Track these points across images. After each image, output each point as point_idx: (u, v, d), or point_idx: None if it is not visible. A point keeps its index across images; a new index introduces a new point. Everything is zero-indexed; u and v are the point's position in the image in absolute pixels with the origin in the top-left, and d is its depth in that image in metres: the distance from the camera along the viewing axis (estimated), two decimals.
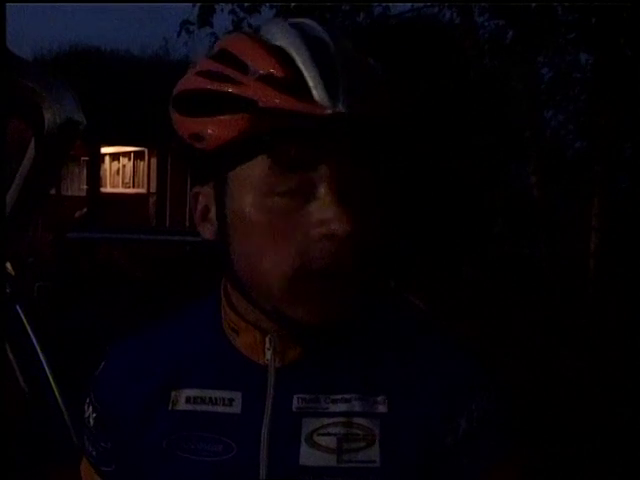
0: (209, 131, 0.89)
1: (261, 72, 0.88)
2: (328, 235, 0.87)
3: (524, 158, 9.44)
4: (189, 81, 0.94)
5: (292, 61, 0.88)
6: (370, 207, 0.91)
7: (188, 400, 0.97)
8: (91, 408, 1.05)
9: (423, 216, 9.44)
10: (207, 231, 0.96)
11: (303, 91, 0.86)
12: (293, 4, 8.72)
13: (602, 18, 7.63)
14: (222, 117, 0.89)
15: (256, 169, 0.88)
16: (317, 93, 0.86)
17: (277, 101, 0.86)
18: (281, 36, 0.91)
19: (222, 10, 8.54)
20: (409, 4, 9.86)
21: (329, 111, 0.85)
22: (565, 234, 9.46)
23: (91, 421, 1.05)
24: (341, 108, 0.86)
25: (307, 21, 0.94)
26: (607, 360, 6.09)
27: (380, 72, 0.94)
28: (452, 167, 9.66)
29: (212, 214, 0.95)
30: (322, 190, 0.87)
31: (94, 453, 1.05)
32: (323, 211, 0.87)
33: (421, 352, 0.98)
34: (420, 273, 7.69)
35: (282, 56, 0.88)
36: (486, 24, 9.32)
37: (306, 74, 0.87)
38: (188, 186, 1.02)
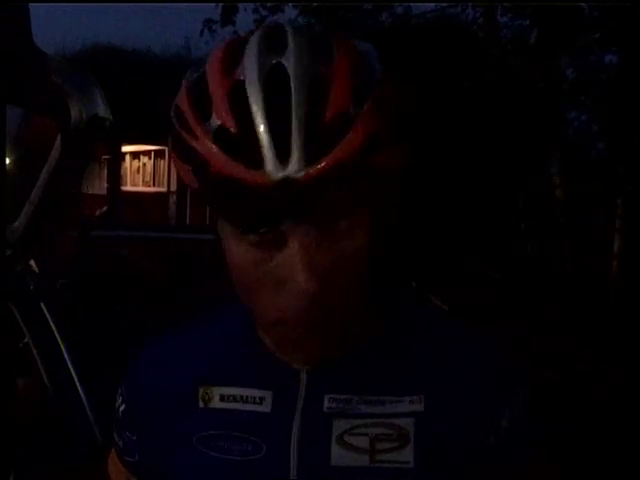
0: (180, 173, 0.87)
1: (217, 124, 0.81)
2: (300, 293, 0.82)
3: (547, 159, 9.39)
4: (174, 104, 0.88)
5: (248, 111, 0.80)
6: (352, 251, 0.85)
7: (222, 398, 0.97)
8: (121, 399, 1.05)
9: (443, 216, 9.41)
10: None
11: (252, 153, 0.79)
12: (315, 4, 8.72)
13: (627, 18, 7.57)
14: (184, 165, 0.85)
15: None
16: (266, 157, 0.79)
17: (225, 167, 0.80)
18: (247, 66, 0.82)
19: (245, 9, 8.56)
20: (432, 4, 9.84)
21: (276, 177, 0.78)
22: (588, 235, 9.40)
23: (120, 411, 1.05)
24: (292, 173, 0.78)
25: (295, 31, 0.85)
26: (629, 361, 6.05)
27: (368, 85, 0.83)
28: (473, 168, 9.62)
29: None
30: (289, 245, 0.82)
31: (120, 443, 1.06)
32: (290, 267, 0.82)
33: (457, 349, 0.96)
34: (441, 274, 7.66)
35: (240, 101, 0.80)
36: (509, 24, 9.29)
37: (258, 131, 0.79)
38: None
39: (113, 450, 1.09)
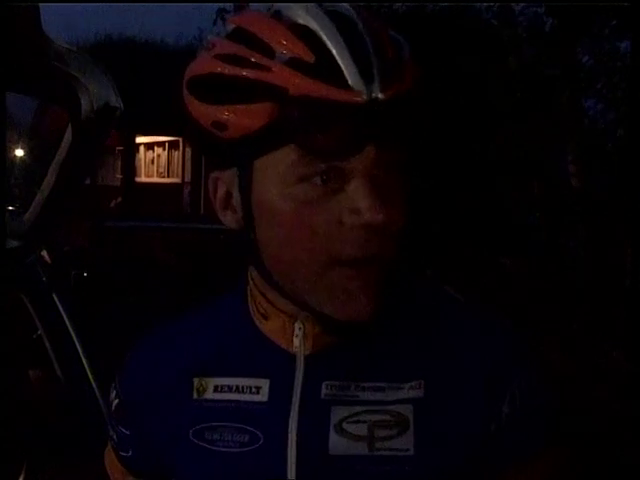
0: (233, 120, 0.85)
1: (289, 56, 0.83)
2: (361, 225, 0.83)
3: (563, 147, 9.34)
4: (206, 64, 0.88)
5: (320, 43, 0.83)
6: (402, 193, 0.87)
7: (216, 389, 0.95)
8: (114, 393, 1.04)
9: (459, 205, 9.38)
10: (230, 219, 0.92)
11: (335, 76, 0.81)
12: None
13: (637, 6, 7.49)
14: (248, 105, 0.84)
15: (284, 157, 0.84)
16: (352, 78, 0.81)
17: (309, 89, 0.81)
18: (305, 14, 0.85)
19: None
20: None
21: (365, 98, 0.81)
22: (604, 225, 9.34)
23: (113, 406, 1.04)
24: (377, 94, 0.81)
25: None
26: None
27: (407, 48, 0.89)
28: (489, 157, 9.59)
29: (235, 201, 0.90)
30: (356, 178, 0.83)
31: (115, 437, 1.05)
32: (356, 200, 0.83)
33: (463, 336, 0.94)
34: (457, 265, 7.64)
35: (309, 37, 0.83)
36: (525, 12, 9.23)
37: (338, 58, 0.82)
38: None
39: (109, 444, 1.08)
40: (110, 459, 1.09)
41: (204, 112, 0.87)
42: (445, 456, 0.89)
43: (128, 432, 1.02)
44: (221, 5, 8.83)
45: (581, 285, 8.01)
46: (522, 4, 9.17)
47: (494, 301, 6.25)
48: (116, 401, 1.03)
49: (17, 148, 19.09)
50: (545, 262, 8.84)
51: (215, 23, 8.75)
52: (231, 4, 8.59)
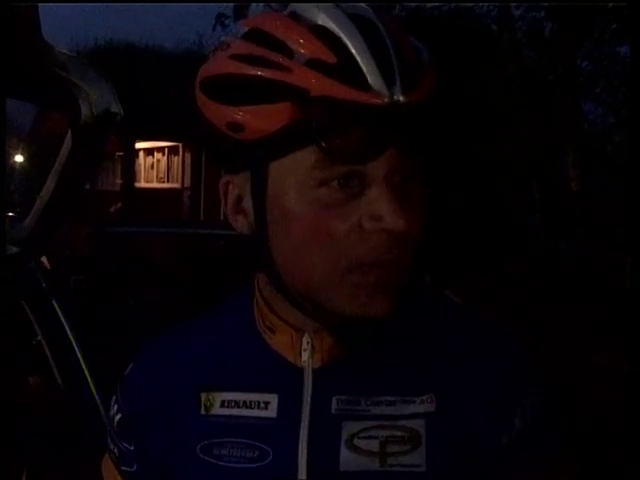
0: (251, 121, 0.83)
1: (308, 56, 0.81)
2: (382, 231, 0.82)
3: (563, 150, 9.34)
4: (222, 64, 0.86)
5: (341, 44, 0.81)
6: (422, 199, 0.86)
7: (223, 404, 0.92)
8: (116, 407, 1.01)
9: (459, 209, 9.37)
10: (242, 224, 0.90)
11: (357, 78, 0.80)
12: None
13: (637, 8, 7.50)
14: (266, 106, 0.82)
15: (302, 159, 0.82)
16: (373, 80, 0.80)
17: (330, 90, 0.80)
18: (323, 15, 0.83)
19: (257, 4, 8.54)
20: None
21: (387, 100, 0.80)
22: (604, 228, 9.34)
23: (115, 420, 1.01)
24: (399, 97, 0.80)
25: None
26: None
27: (426, 53, 0.88)
28: (489, 160, 9.58)
29: (247, 205, 0.89)
30: (376, 183, 0.82)
31: (116, 451, 1.01)
32: (377, 206, 0.82)
33: (471, 347, 0.92)
34: (456, 268, 7.63)
35: (328, 38, 0.82)
36: (524, 16, 9.23)
37: (359, 59, 0.81)
38: None
39: (107, 456, 1.04)
40: (109, 473, 1.05)
41: (218, 113, 0.86)
42: (457, 472, 0.88)
43: (132, 447, 0.99)
44: (221, 10, 8.83)
45: (581, 286, 8.00)
46: (522, 9, 9.18)
47: (494, 302, 6.24)
48: (118, 416, 1.00)
49: (17, 154, 19.08)
50: (545, 263, 8.83)
51: (214, 28, 8.75)
52: (230, 9, 8.58)
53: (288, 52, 0.82)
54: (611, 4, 8.02)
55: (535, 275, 8.51)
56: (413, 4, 9.66)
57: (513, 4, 9.24)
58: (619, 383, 5.50)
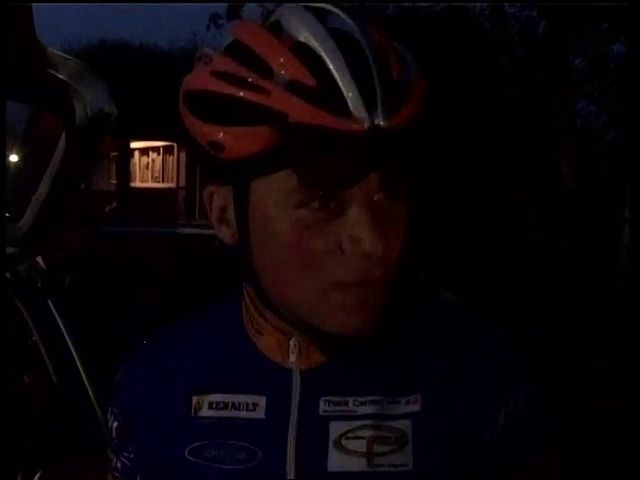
0: (231, 142, 0.82)
1: (288, 78, 0.80)
2: (362, 254, 0.82)
3: (556, 148, 9.35)
4: (203, 80, 0.85)
5: (322, 65, 0.80)
6: (406, 218, 0.86)
7: (211, 406, 0.93)
8: (112, 416, 1.01)
9: (454, 207, 9.38)
10: (226, 234, 0.90)
11: (337, 103, 0.79)
12: None
13: (635, 7, 7.52)
14: (246, 128, 0.81)
15: (282, 181, 0.81)
16: (354, 105, 0.79)
17: (309, 116, 0.79)
18: (306, 32, 0.82)
19: (251, 4, 8.53)
20: None
21: (367, 126, 0.78)
22: (597, 225, 9.36)
23: (113, 430, 1.01)
24: (380, 121, 0.79)
25: (328, 7, 0.85)
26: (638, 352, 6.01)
27: (414, 65, 0.86)
28: (481, 158, 9.59)
29: (230, 217, 0.88)
30: (357, 203, 0.81)
31: (118, 465, 1.01)
32: (357, 228, 0.81)
33: (458, 346, 0.93)
34: (450, 266, 7.63)
35: (310, 57, 0.80)
36: (517, 15, 9.25)
37: (340, 83, 0.79)
38: None
39: (110, 476, 1.03)
40: None
41: (200, 130, 0.85)
42: (444, 470, 0.89)
43: (132, 455, 0.99)
44: (214, 10, 8.82)
45: (578, 285, 8.01)
46: (514, 8, 9.19)
47: (488, 301, 6.25)
48: (115, 424, 1.00)
49: (11, 154, 19.03)
50: (540, 262, 8.84)
51: (208, 29, 8.74)
52: (224, 9, 8.57)
53: (268, 72, 0.81)
54: (604, 3, 8.04)
55: (530, 273, 8.53)
56: (407, 4, 9.66)
57: (506, 3, 9.26)
58: (619, 383, 5.53)
